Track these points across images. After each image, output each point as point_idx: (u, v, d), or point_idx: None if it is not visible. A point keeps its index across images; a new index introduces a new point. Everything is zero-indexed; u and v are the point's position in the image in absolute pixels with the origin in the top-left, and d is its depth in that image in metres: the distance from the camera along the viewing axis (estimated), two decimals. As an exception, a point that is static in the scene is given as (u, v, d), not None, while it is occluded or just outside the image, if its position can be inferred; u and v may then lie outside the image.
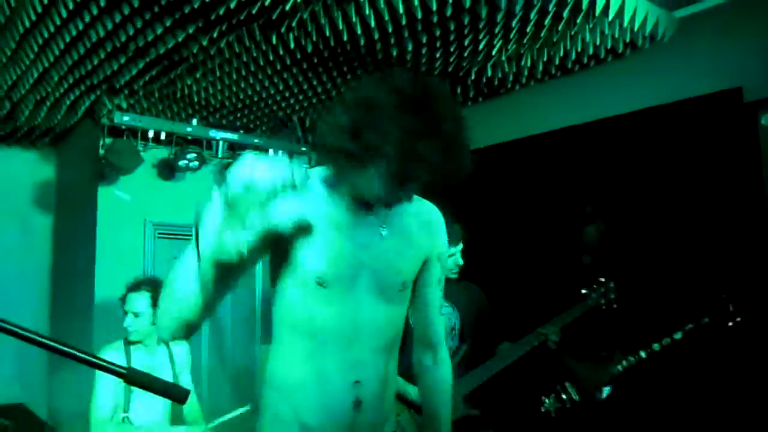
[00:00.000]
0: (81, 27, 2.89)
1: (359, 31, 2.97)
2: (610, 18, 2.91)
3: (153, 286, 3.28)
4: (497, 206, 5.07)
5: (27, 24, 2.85)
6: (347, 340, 1.50)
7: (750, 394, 3.41)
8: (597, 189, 3.73)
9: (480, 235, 4.94)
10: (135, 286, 3.35)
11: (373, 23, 2.91)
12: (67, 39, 2.98)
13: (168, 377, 3.36)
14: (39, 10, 2.74)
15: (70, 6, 2.72)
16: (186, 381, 3.48)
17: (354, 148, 1.33)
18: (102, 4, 2.70)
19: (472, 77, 3.62)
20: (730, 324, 3.39)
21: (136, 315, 3.23)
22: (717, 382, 4.03)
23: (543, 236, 4.11)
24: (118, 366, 1.15)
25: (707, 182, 3.28)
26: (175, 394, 1.19)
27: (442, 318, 1.76)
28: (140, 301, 3.24)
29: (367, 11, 2.81)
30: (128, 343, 3.30)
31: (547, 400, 3.47)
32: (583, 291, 3.42)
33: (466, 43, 3.13)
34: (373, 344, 1.54)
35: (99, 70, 3.35)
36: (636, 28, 3.03)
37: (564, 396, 3.46)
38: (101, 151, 3.99)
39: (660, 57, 3.22)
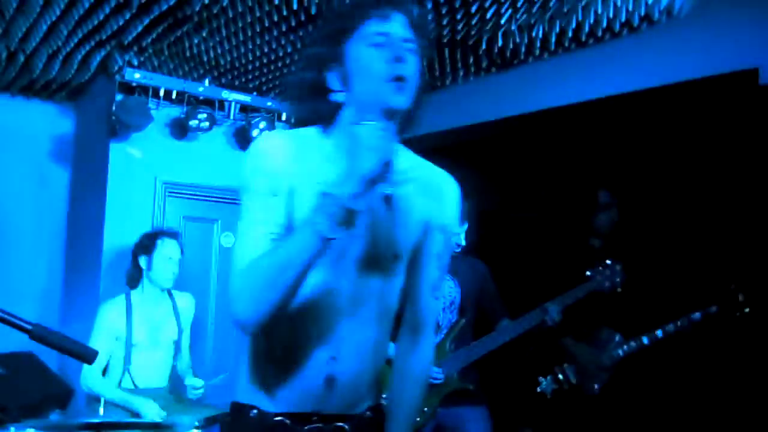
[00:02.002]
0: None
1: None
2: (623, -11, 2.79)
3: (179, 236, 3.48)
4: (509, 181, 4.98)
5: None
6: (326, 312, 1.42)
7: (754, 387, 3.31)
8: (609, 169, 3.62)
9: (488, 211, 4.88)
10: (171, 233, 3.46)
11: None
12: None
13: (173, 330, 3.43)
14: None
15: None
16: (187, 335, 3.53)
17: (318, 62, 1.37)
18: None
19: (484, 47, 3.52)
20: (738, 314, 3.28)
21: (170, 259, 3.34)
22: (721, 374, 3.92)
23: (553, 215, 4.03)
24: (24, 321, 1.15)
25: (720, 166, 3.14)
26: (83, 354, 1.19)
27: (435, 302, 1.60)
28: (176, 247, 3.38)
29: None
30: (130, 297, 3.37)
31: (543, 381, 3.43)
32: (588, 272, 3.35)
33: (474, 9, 3.03)
34: (357, 318, 1.44)
35: (106, 26, 3.37)
36: (651, 1, 2.89)
37: (561, 377, 3.41)
38: (113, 108, 4.01)
39: (676, 33, 3.08)
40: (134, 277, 3.41)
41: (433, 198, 1.52)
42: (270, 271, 1.29)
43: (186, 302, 3.53)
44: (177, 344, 3.45)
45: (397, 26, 1.39)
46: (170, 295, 3.48)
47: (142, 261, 3.35)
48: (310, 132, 1.47)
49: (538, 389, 3.40)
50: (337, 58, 1.41)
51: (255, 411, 1.47)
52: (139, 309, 3.36)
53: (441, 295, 3.37)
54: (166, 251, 3.35)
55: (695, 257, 3.61)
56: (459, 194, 1.59)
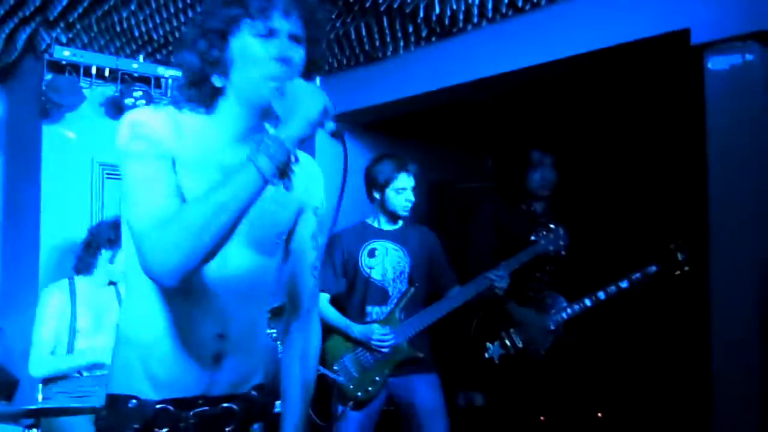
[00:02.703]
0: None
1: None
2: (555, -48, 2.79)
3: None
4: (455, 151, 4.99)
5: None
6: (211, 290, 1.40)
7: (690, 342, 3.42)
8: (549, 133, 3.66)
9: (436, 181, 4.90)
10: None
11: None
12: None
13: (114, 317, 3.36)
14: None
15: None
16: None
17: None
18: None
19: (422, 14, 3.50)
20: (678, 273, 3.38)
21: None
22: (662, 331, 4.05)
23: (498, 182, 4.06)
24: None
25: (656, 129, 3.21)
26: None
27: (315, 281, 1.62)
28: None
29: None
30: (73, 281, 3.31)
31: (491, 347, 3.48)
32: (533, 237, 3.39)
33: (409, -23, 3.00)
34: (242, 297, 1.45)
35: (29, 1, 3.22)
36: (584, -36, 2.91)
37: (508, 342, 3.46)
38: (43, 88, 3.86)
39: (610, -4, 3.10)
40: (87, 265, 3.33)
41: (305, 181, 1.53)
42: (203, 215, 1.24)
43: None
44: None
45: (285, 21, 1.35)
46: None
47: (105, 253, 3.28)
48: (179, 111, 1.42)
49: (486, 355, 3.45)
50: (221, 46, 1.36)
51: (134, 401, 1.41)
52: (84, 294, 3.32)
53: (395, 268, 3.38)
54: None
55: (635, 219, 3.70)
56: (321, 173, 1.62)
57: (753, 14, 2.63)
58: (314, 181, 1.59)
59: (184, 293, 1.38)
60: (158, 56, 4.17)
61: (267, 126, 1.36)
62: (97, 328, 3.31)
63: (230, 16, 1.34)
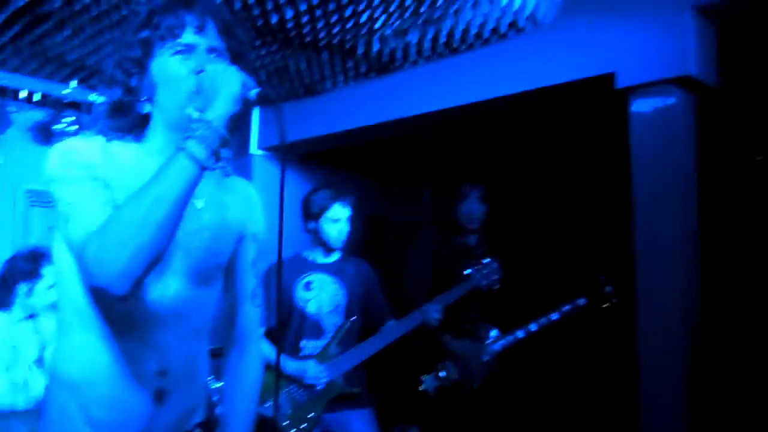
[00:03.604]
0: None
1: (233, -4, 2.85)
2: (490, -4, 2.91)
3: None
4: (391, 184, 5.06)
5: None
6: (150, 325, 1.35)
7: (619, 372, 3.52)
8: (481, 169, 3.75)
9: (372, 215, 4.93)
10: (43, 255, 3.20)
11: (247, -13, 2.80)
12: None
13: (35, 348, 3.21)
14: None
15: None
16: (49, 354, 3.33)
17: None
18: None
19: (361, 51, 3.56)
20: (605, 306, 3.49)
21: (52, 287, 3.10)
22: (590, 362, 4.16)
23: (432, 216, 4.12)
24: None
25: (583, 167, 3.34)
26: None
27: (256, 310, 1.59)
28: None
29: (238, -27, 2.70)
30: None
31: (426, 379, 3.49)
32: (467, 271, 3.44)
33: (348, 14, 3.05)
34: (182, 330, 1.40)
35: (-44, 23, 3.12)
36: (517, 9, 3.03)
37: (443, 374, 3.48)
38: (-33, 111, 3.73)
39: (542, 39, 3.23)
40: (3, 301, 3.17)
41: (243, 207, 1.53)
42: (141, 209, 1.17)
43: (47, 320, 3.33)
44: (40, 362, 3.25)
45: (199, 36, 1.34)
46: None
47: (23, 287, 3.13)
48: (108, 142, 1.38)
49: (421, 387, 3.46)
50: (140, 72, 1.35)
51: None
52: (1, 330, 3.15)
53: (331, 301, 3.36)
54: (49, 279, 3.14)
55: (565, 252, 3.81)
56: (259, 198, 1.61)
57: (675, 60, 2.79)
58: (252, 206, 1.57)
59: (123, 326, 1.33)
60: (92, 82, 4.08)
61: (190, 110, 1.30)
62: (14, 363, 3.16)
63: (143, 41, 1.33)
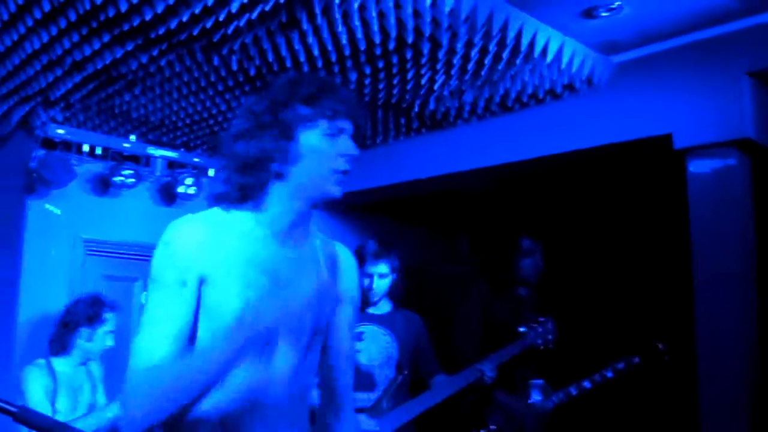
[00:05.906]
0: (15, 38, 2.81)
1: (303, 59, 2.96)
2: (548, 61, 2.99)
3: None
4: (439, 236, 5.11)
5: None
6: (259, 399, 1.38)
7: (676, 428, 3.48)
8: (535, 226, 3.79)
9: (419, 265, 4.97)
10: (113, 306, 3.31)
11: (316, 51, 2.91)
12: (1, 49, 2.89)
13: (89, 392, 3.29)
14: (-30, 18, 2.65)
15: (5, 16, 2.63)
16: (102, 392, 3.39)
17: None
18: (38, 16, 2.62)
19: (416, 109, 3.65)
20: (659, 363, 3.47)
21: (112, 333, 3.23)
22: (642, 422, 4.11)
23: (482, 268, 4.15)
24: (11, 404, 1.11)
25: (639, 225, 3.37)
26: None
27: (351, 371, 1.63)
28: (115, 320, 3.27)
29: (310, 39, 2.81)
30: (50, 362, 3.21)
31: (477, 433, 3.48)
32: (522, 329, 3.44)
33: (409, 76, 3.16)
34: (288, 397, 1.42)
35: (34, 82, 3.25)
36: (573, 71, 3.11)
37: (493, 428, 3.46)
38: (33, 164, 3.85)
39: (596, 100, 3.30)
40: (64, 345, 3.24)
41: (338, 268, 1.58)
42: (172, 387, 1.29)
43: (95, 364, 3.41)
44: (92, 407, 3.32)
45: (348, 122, 1.46)
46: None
47: (84, 332, 3.21)
48: (225, 212, 1.45)
49: (473, 442, 3.44)
50: (290, 136, 1.42)
51: None
52: (62, 375, 3.21)
53: (382, 353, 3.38)
54: (111, 325, 3.24)
55: (618, 310, 3.81)
56: (355, 262, 1.67)
57: (733, 122, 2.84)
58: (348, 270, 1.61)
59: (234, 421, 1.37)
60: (150, 136, 4.22)
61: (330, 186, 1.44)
62: (74, 409, 3.22)
63: (304, 115, 1.43)
